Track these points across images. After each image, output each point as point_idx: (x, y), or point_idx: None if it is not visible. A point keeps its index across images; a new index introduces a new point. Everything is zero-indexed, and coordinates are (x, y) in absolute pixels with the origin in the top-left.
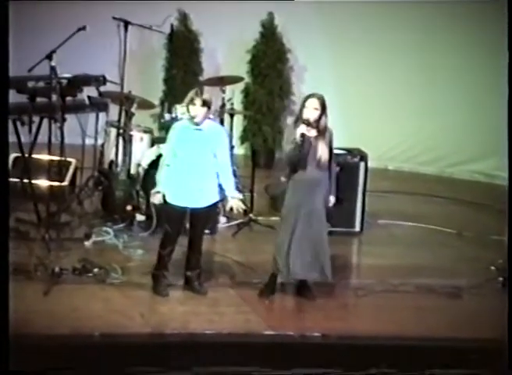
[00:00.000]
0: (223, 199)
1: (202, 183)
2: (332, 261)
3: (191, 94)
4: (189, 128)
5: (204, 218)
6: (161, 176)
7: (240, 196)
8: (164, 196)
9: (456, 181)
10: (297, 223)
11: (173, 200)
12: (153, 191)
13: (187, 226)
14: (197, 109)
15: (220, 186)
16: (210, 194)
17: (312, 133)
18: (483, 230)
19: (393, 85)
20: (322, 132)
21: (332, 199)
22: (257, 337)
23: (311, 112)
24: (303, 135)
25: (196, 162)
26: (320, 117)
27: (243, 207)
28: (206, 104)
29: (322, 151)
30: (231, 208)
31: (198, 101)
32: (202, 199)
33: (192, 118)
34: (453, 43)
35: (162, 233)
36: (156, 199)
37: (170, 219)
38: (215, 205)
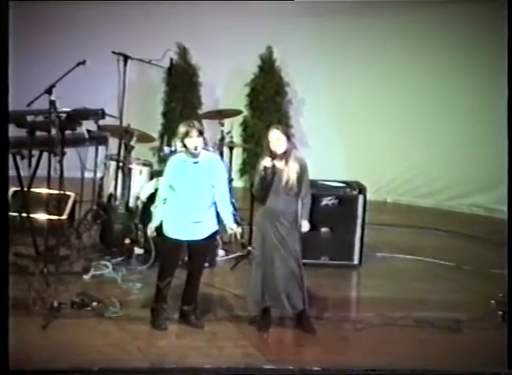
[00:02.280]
0: (218, 231)
1: (200, 215)
2: (330, 293)
3: (185, 127)
4: (186, 161)
5: (203, 250)
6: (156, 209)
7: (239, 230)
8: (159, 228)
9: (455, 214)
10: (263, 256)
11: (172, 233)
12: (149, 225)
13: (185, 259)
14: (195, 141)
15: (217, 216)
16: (208, 225)
17: (280, 164)
18: (482, 264)
19: (392, 119)
20: (289, 162)
21: (304, 224)
22: (256, 371)
23: (275, 143)
24: (265, 168)
25: (194, 194)
26: (286, 147)
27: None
28: (201, 134)
29: (289, 182)
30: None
31: (195, 133)
32: (200, 231)
33: (194, 150)
34: (454, 76)
35: (159, 266)
36: (150, 231)
37: (168, 251)
38: (213, 236)
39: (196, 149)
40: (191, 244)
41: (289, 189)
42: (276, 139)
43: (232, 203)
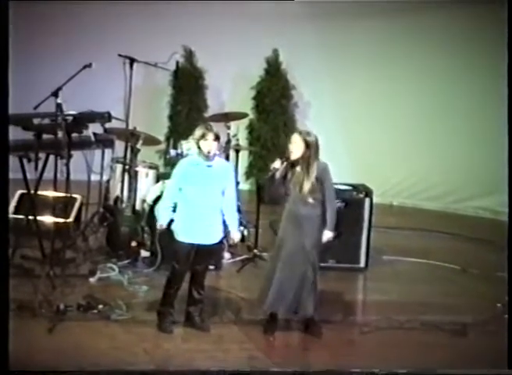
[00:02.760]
0: (226, 235)
1: (211, 219)
2: (336, 297)
3: (201, 129)
4: (199, 164)
5: (210, 254)
6: (160, 210)
7: (239, 237)
8: (168, 230)
9: (461, 217)
10: (280, 258)
11: (183, 237)
12: (158, 223)
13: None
14: (210, 144)
15: (224, 222)
16: (218, 230)
17: (297, 169)
18: (488, 267)
19: (398, 122)
20: (305, 167)
21: (327, 234)
22: None
23: (292, 146)
24: (273, 169)
25: (205, 198)
26: (304, 153)
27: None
28: (218, 138)
29: (303, 190)
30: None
31: (211, 136)
32: (211, 235)
33: (208, 154)
34: (461, 79)
35: (170, 271)
36: (159, 226)
37: (178, 256)
38: (221, 241)
39: (209, 153)
40: (200, 248)
41: (303, 196)
42: (293, 142)
43: (238, 207)
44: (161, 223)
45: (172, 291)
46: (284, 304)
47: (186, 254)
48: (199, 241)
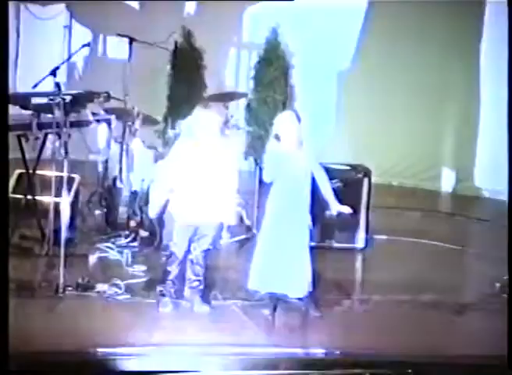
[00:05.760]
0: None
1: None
2: (335, 276)
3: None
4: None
5: (209, 234)
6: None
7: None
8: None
9: (461, 197)
10: (274, 236)
11: (183, 219)
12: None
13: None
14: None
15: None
16: (219, 210)
17: (293, 147)
18: (487, 246)
19: (399, 102)
20: (301, 144)
21: (334, 204)
22: (261, 354)
23: (289, 126)
24: (284, 152)
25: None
26: (297, 130)
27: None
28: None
29: (303, 165)
30: None
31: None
32: (211, 216)
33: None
34: (460, 59)
35: (169, 249)
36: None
37: (178, 237)
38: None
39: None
40: (201, 229)
41: (302, 170)
42: (290, 121)
43: None
44: (155, 211)
45: (171, 268)
46: (281, 283)
47: (185, 235)
48: (200, 221)
